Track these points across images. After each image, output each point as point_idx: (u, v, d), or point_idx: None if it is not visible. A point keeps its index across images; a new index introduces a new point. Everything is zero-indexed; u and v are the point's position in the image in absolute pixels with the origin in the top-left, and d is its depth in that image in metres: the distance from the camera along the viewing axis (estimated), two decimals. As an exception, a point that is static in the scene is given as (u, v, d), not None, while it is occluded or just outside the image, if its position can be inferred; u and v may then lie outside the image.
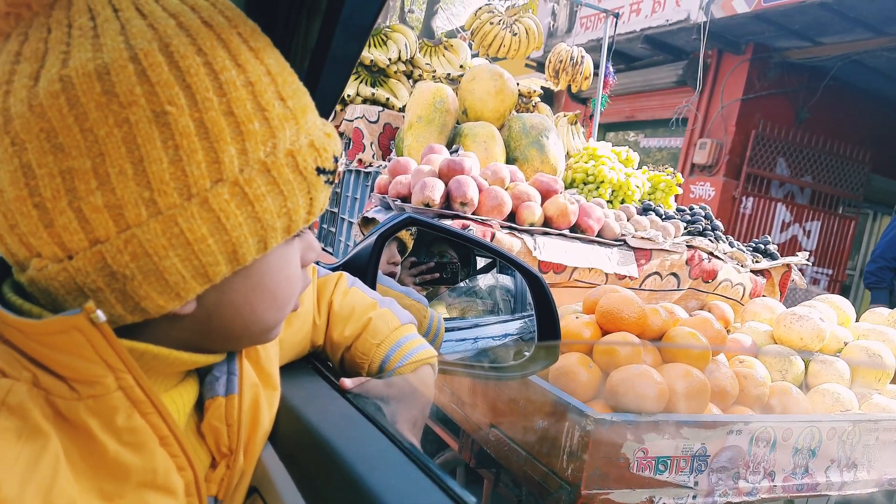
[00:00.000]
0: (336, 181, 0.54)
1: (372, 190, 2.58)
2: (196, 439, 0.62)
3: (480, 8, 3.88)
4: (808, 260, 2.57)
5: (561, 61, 3.95)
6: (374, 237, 1.16)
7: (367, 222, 2.40)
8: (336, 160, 0.58)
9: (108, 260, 0.47)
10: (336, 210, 3.09)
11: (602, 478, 1.30)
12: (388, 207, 2.29)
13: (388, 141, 3.07)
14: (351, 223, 2.89)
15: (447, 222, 2.02)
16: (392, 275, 1.60)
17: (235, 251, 0.51)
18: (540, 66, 8.15)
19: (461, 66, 3.46)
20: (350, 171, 2.97)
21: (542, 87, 4.22)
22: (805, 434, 1.50)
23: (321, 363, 0.88)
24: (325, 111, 0.96)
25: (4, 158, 0.46)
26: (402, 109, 3.14)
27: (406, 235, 1.64)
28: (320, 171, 0.55)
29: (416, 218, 1.17)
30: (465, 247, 1.83)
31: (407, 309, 1.29)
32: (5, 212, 0.47)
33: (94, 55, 0.46)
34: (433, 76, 3.26)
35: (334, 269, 1.18)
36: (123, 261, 0.47)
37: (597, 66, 4.41)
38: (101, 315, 0.48)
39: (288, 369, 0.79)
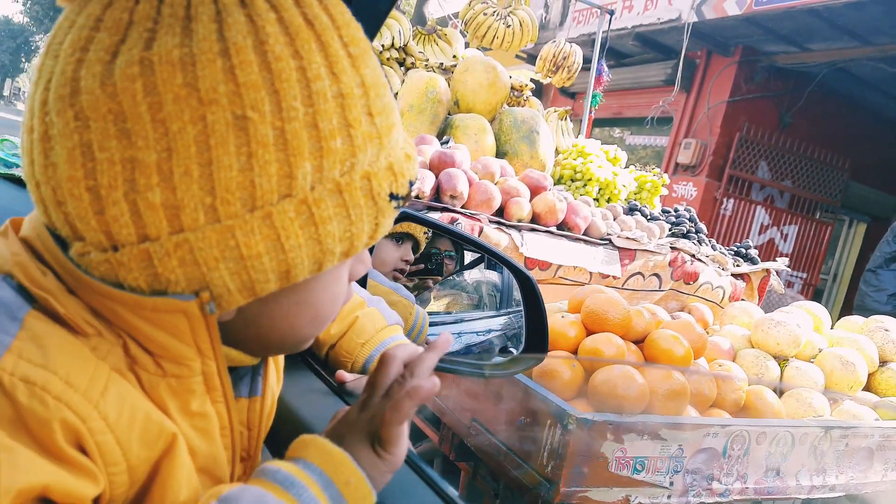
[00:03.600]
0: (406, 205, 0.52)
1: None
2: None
3: (474, -1, 3.87)
4: (787, 266, 2.62)
5: (552, 60, 3.95)
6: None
7: (354, 210, 2.39)
8: (411, 184, 0.53)
9: (154, 260, 0.45)
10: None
11: (581, 476, 1.32)
12: (376, 196, 2.28)
13: (378, 128, 3.06)
14: (337, 209, 2.88)
15: (436, 215, 2.02)
16: (401, 271, 1.60)
17: (289, 271, 0.48)
18: (531, 58, 8.13)
19: (454, 57, 3.45)
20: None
21: (532, 80, 4.22)
22: (778, 438, 1.54)
23: (314, 359, 0.88)
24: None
25: (65, 132, 0.43)
26: (393, 97, 3.12)
27: (420, 234, 1.63)
28: (393, 196, 0.51)
29: (411, 213, 1.17)
30: (454, 241, 1.84)
31: (394, 306, 1.29)
32: (55, 187, 0.44)
33: (182, 41, 0.42)
34: (426, 65, 3.25)
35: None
36: (170, 265, 0.45)
37: (588, 61, 4.43)
38: (212, 307, 0.47)
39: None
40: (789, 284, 7.80)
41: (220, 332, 0.51)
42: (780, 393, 1.87)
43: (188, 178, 0.43)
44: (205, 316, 0.47)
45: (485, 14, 3.78)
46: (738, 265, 2.50)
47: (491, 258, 1.53)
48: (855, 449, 1.73)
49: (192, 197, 0.43)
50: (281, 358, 0.69)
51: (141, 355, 0.48)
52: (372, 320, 0.87)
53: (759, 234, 7.58)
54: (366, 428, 0.55)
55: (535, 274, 2.18)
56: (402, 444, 0.55)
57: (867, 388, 1.98)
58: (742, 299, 2.49)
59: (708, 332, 2.10)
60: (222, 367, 0.51)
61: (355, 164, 0.48)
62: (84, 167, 0.43)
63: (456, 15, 4.48)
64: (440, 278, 1.85)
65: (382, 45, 3.20)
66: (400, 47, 3.28)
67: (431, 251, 1.83)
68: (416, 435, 2.10)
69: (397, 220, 1.25)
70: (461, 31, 4.11)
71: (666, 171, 7.53)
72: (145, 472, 0.47)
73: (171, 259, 0.45)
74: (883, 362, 2.04)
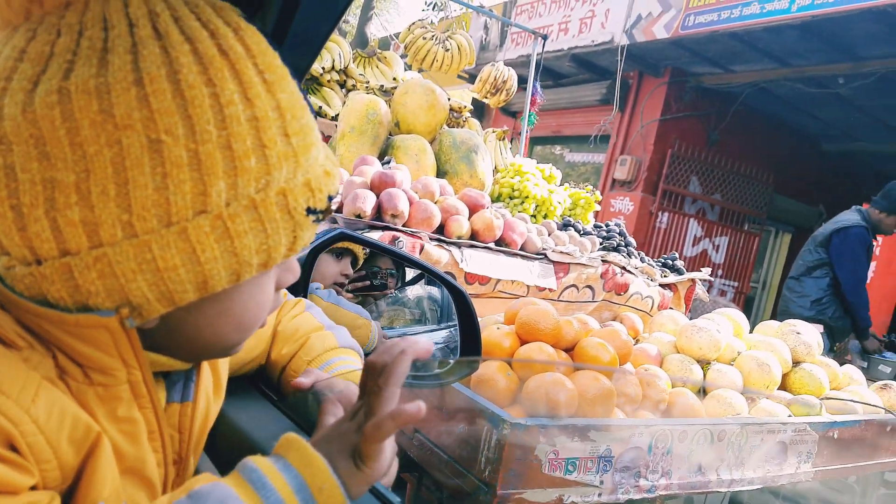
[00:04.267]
0: (326, 218, 0.54)
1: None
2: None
3: (414, 23, 3.98)
4: (710, 276, 2.79)
5: (491, 83, 4.10)
6: (306, 250, 1.21)
7: (297, 230, 2.43)
8: (330, 199, 0.57)
9: (75, 273, 0.48)
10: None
11: (517, 478, 1.40)
12: (319, 216, 2.33)
13: (321, 149, 3.11)
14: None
15: (378, 233, 2.08)
16: (341, 285, 1.65)
17: (206, 282, 0.51)
18: (471, 78, 8.32)
19: (394, 79, 3.54)
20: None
21: (474, 99, 4.35)
22: (699, 436, 1.65)
23: (264, 383, 0.90)
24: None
25: None
26: (334, 118, 3.18)
27: (359, 250, 1.69)
28: (310, 211, 0.54)
29: (348, 233, 1.24)
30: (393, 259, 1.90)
31: (360, 329, 1.34)
32: None
33: (98, 71, 0.46)
34: (366, 87, 3.32)
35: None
36: (90, 277, 0.48)
37: (526, 81, 4.60)
38: (132, 322, 0.50)
39: (231, 389, 0.80)
40: (722, 293, 8.16)
41: (148, 339, 0.54)
42: (703, 394, 2.00)
43: (105, 197, 0.46)
44: (125, 330, 0.50)
45: (424, 38, 3.90)
46: (665, 276, 2.65)
47: (427, 274, 1.60)
48: (770, 444, 1.87)
49: (109, 214, 0.47)
50: (223, 369, 0.72)
51: (69, 366, 0.51)
52: (322, 341, 0.87)
53: (693, 245, 7.92)
54: (350, 438, 0.56)
55: (475, 288, 2.27)
56: (383, 460, 0.56)
57: (782, 387, 2.14)
58: (670, 308, 2.64)
59: (638, 340, 2.22)
60: (147, 376, 0.55)
61: (270, 181, 0.51)
62: (7, 187, 0.46)
63: (397, 36, 4.59)
64: (383, 293, 1.91)
65: (323, 68, 3.26)
66: (340, 70, 3.35)
67: (374, 268, 1.89)
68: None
69: (337, 240, 1.30)
70: (402, 55, 4.21)
71: (604, 187, 7.82)
72: (74, 468, 0.51)
73: (91, 272, 0.47)
74: (796, 363, 2.20)
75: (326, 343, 0.87)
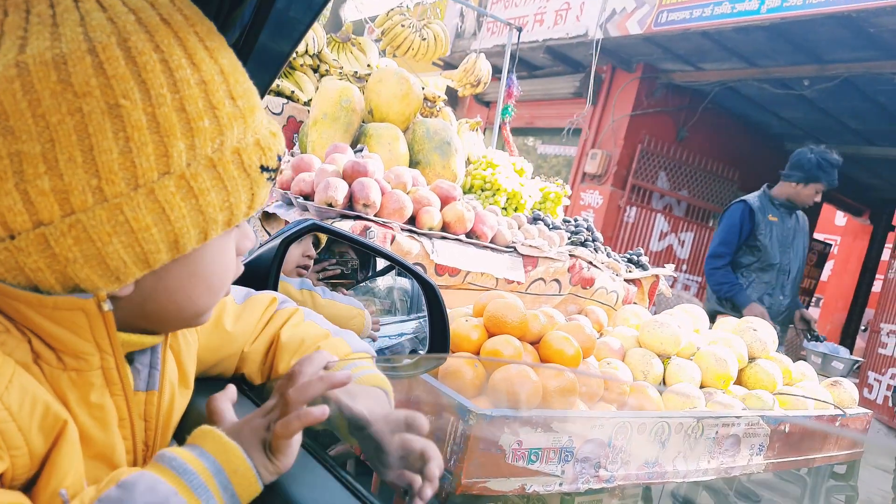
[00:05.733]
0: (276, 178, 0.57)
1: (273, 184, 2.59)
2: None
3: (393, 9, 3.96)
4: (674, 272, 2.86)
5: (475, 76, 4.11)
6: (277, 240, 1.21)
7: (267, 216, 2.41)
8: (279, 158, 0.61)
9: (51, 241, 0.49)
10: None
11: (481, 467, 1.43)
12: (289, 203, 2.32)
13: (292, 134, 3.08)
14: (250, 215, 2.88)
15: (349, 223, 2.09)
16: (305, 267, 1.65)
17: (177, 240, 0.53)
18: (447, 66, 8.30)
19: (368, 66, 3.52)
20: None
21: (447, 87, 4.35)
22: (657, 428, 1.71)
23: (248, 387, 0.88)
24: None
25: None
26: (307, 103, 3.15)
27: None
28: (264, 168, 0.58)
29: (320, 224, 1.24)
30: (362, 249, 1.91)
31: (353, 319, 1.33)
32: None
33: (52, 44, 0.47)
34: (340, 72, 3.30)
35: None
36: (66, 244, 0.49)
37: (499, 71, 4.61)
38: (108, 304, 0.52)
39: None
40: (686, 287, 8.34)
41: (122, 314, 0.56)
42: (664, 387, 2.06)
43: (73, 164, 0.48)
44: (102, 313, 0.53)
45: (402, 26, 3.89)
46: (630, 271, 2.71)
47: (399, 268, 1.62)
48: (724, 436, 1.94)
49: (78, 180, 0.48)
50: (189, 363, 0.73)
51: (44, 351, 0.53)
52: (335, 349, 0.85)
53: (659, 240, 8.07)
54: (261, 433, 0.60)
55: (444, 280, 2.29)
56: (290, 454, 0.60)
57: (738, 382, 2.21)
58: (634, 302, 2.70)
59: (602, 333, 2.27)
60: (121, 363, 0.57)
61: (224, 141, 0.55)
62: None
63: (373, 20, 4.56)
64: (351, 282, 1.92)
65: (296, 52, 3.23)
66: (314, 54, 3.32)
67: (343, 256, 1.90)
68: (331, 438, 2.16)
69: (308, 231, 1.31)
70: (376, 39, 4.18)
71: (574, 180, 7.90)
72: (41, 456, 0.52)
73: (67, 238, 0.49)
74: (752, 359, 2.28)
75: (339, 350, 0.85)
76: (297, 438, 0.61)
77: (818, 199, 3.90)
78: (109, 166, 0.49)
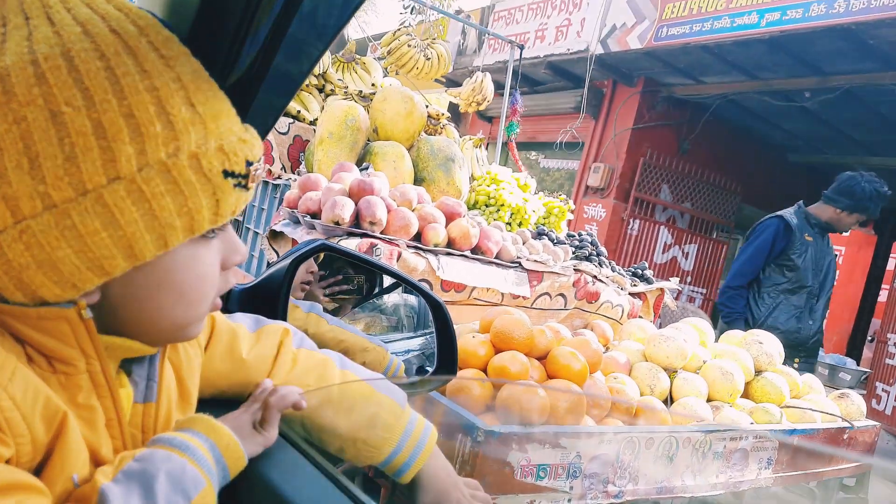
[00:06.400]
0: (251, 185, 0.57)
1: (280, 202, 2.62)
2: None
3: (399, 29, 4.02)
4: (678, 284, 2.87)
5: (480, 94, 4.17)
6: (287, 261, 1.23)
7: (274, 235, 2.44)
8: (249, 164, 0.59)
9: (4, 248, 0.51)
10: (241, 219, 3.09)
11: (489, 484, 1.44)
12: (296, 222, 2.34)
13: (298, 153, 3.12)
14: (256, 233, 2.91)
15: (356, 240, 2.11)
16: (308, 283, 1.67)
17: (132, 246, 0.54)
18: (449, 82, 8.36)
19: (373, 85, 3.56)
20: (258, 181, 2.97)
21: (450, 103, 4.40)
22: (664, 443, 1.71)
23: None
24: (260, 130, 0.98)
25: None
26: (312, 123, 3.19)
27: None
28: (228, 174, 0.57)
29: (329, 245, 1.26)
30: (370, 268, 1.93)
31: (367, 352, 1.33)
32: None
33: None
34: (345, 92, 3.34)
35: (246, 289, 1.23)
36: (18, 249, 0.51)
37: (502, 87, 4.65)
38: (88, 312, 0.55)
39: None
40: (690, 299, 8.33)
41: (104, 323, 0.58)
42: (670, 402, 2.07)
43: (20, 171, 0.49)
44: (83, 321, 0.56)
45: (409, 46, 3.95)
46: (635, 285, 2.72)
47: (406, 286, 1.63)
48: (733, 450, 1.94)
49: (26, 187, 0.50)
50: (191, 380, 0.74)
51: (35, 356, 0.56)
52: (391, 411, 0.87)
53: (663, 252, 8.07)
54: (249, 416, 0.74)
55: (451, 296, 2.30)
56: (275, 427, 0.75)
57: (744, 396, 2.21)
58: (639, 316, 2.71)
59: (608, 348, 2.28)
60: (105, 367, 0.59)
61: (181, 146, 0.54)
62: None
63: (377, 38, 4.61)
64: (359, 298, 1.94)
65: (302, 72, 3.27)
66: (319, 74, 3.36)
67: (350, 273, 1.91)
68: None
69: (318, 251, 1.32)
70: (379, 56, 4.23)
71: (577, 193, 7.92)
72: (44, 445, 0.54)
73: (18, 244, 0.51)
74: (758, 372, 2.28)
75: (395, 411, 0.88)
76: (278, 417, 0.75)
77: (856, 227, 3.69)
78: (55, 172, 0.50)
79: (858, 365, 5.62)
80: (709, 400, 2.09)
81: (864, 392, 6.00)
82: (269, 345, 0.87)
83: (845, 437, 2.27)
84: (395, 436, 0.85)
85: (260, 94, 0.74)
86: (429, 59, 3.94)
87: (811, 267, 3.56)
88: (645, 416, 1.79)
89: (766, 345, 2.31)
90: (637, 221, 7.75)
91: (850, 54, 5.54)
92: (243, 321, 0.89)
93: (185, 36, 0.59)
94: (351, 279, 1.91)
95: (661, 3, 6.49)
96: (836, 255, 3.72)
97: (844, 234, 3.69)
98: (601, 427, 1.65)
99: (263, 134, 0.77)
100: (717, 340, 2.44)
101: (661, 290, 2.83)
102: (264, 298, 1.16)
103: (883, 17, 4.84)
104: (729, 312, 3.57)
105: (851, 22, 5.00)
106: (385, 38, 4.03)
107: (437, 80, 8.99)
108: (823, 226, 3.64)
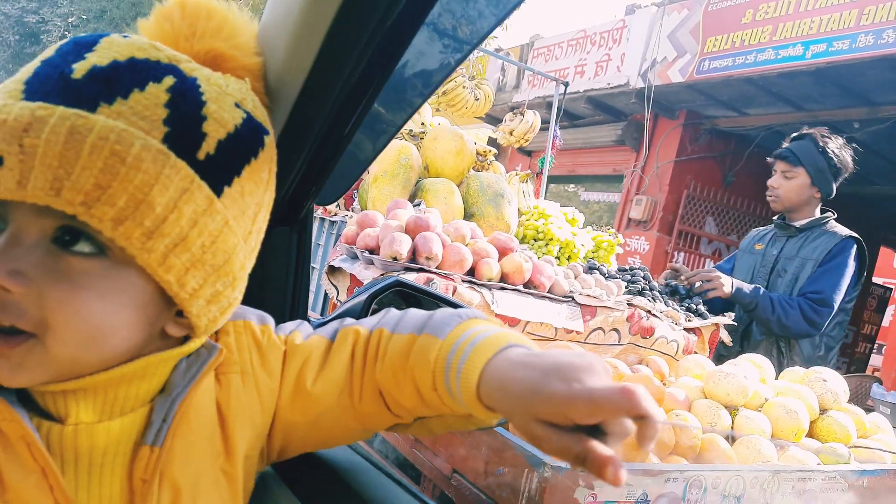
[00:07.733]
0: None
1: (337, 238, 2.69)
2: (125, 483, 0.61)
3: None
4: (734, 321, 2.83)
5: (523, 132, 4.26)
6: (363, 296, 1.28)
7: (333, 271, 2.50)
8: None
9: None
10: (296, 254, 3.17)
11: (556, 521, 1.43)
12: (354, 257, 2.40)
13: (352, 191, 3.20)
14: (313, 268, 2.98)
15: (413, 275, 2.15)
16: None
17: None
18: (490, 119, 8.48)
19: (423, 124, 3.65)
20: (315, 217, 3.07)
21: (490, 138, 4.49)
22: (731, 482, 1.68)
23: None
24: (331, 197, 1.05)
25: None
26: None
27: None
28: None
29: (404, 281, 1.30)
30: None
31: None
32: None
33: None
34: (396, 131, 3.43)
35: (321, 325, 1.28)
36: None
37: (543, 122, 4.72)
38: None
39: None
40: (738, 334, 8.13)
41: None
42: (731, 440, 2.03)
43: None
44: None
45: (463, 87, 4.11)
46: (689, 320, 2.69)
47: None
48: (801, 491, 1.89)
49: None
50: (235, 431, 0.68)
51: None
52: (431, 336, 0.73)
53: (709, 285, 7.93)
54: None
55: (504, 330, 2.32)
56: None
57: (809, 435, 2.15)
58: (694, 352, 2.67)
59: (665, 384, 2.25)
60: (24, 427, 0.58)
61: None
62: None
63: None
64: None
65: (355, 112, 3.38)
66: (371, 114, 3.46)
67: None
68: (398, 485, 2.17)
69: (392, 287, 1.36)
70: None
71: (619, 226, 7.88)
72: None
73: None
74: (823, 410, 2.22)
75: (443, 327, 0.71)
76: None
77: None
78: None
79: (921, 403, 5.39)
80: (772, 438, 2.04)
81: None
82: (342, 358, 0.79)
83: (918, 479, 2.18)
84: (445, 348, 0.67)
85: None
86: (477, 99, 4.08)
87: None
88: (709, 453, 1.77)
89: (830, 382, 2.26)
90: (682, 254, 7.65)
91: (900, 85, 5.45)
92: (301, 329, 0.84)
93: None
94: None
95: (703, 37, 6.51)
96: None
97: None
98: (668, 464, 1.64)
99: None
100: (777, 376, 2.39)
101: (716, 325, 2.79)
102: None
103: (934, 47, 4.77)
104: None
105: (901, 52, 4.94)
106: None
107: (477, 117, 9.15)
108: None
